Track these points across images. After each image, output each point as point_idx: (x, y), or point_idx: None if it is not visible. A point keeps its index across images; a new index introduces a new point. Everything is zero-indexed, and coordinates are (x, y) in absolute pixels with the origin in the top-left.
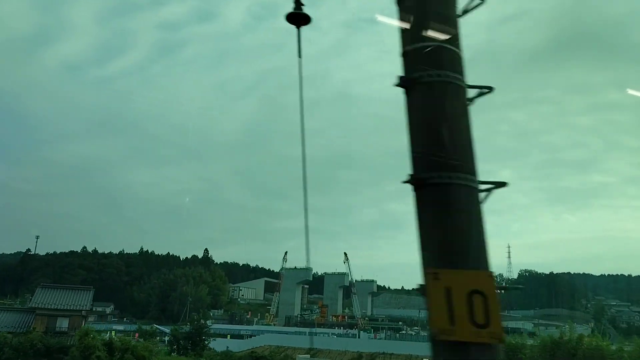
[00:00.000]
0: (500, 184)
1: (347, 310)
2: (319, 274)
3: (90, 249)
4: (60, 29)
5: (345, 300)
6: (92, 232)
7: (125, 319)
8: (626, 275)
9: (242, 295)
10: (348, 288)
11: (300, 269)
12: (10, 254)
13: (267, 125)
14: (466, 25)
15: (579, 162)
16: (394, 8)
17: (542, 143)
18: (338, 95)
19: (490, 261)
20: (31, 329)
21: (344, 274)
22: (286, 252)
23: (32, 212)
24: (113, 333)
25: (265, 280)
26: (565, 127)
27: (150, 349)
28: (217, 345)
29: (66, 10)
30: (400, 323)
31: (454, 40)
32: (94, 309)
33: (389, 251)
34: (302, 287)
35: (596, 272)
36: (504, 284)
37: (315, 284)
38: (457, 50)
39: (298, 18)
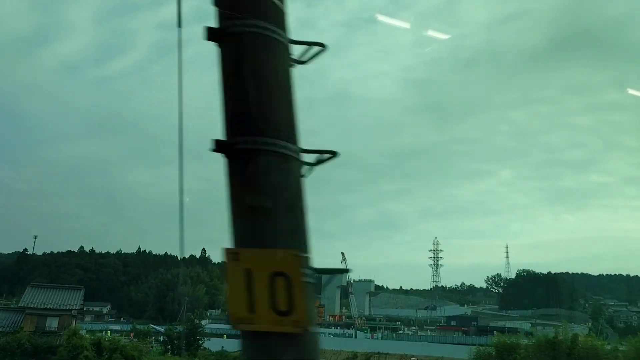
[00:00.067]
0: (330, 154)
1: (344, 310)
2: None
3: (87, 249)
4: (59, 29)
5: (342, 300)
6: (89, 231)
7: (122, 318)
8: (625, 275)
9: None
10: (346, 288)
11: None
12: (8, 253)
13: None
14: (466, 26)
15: (578, 162)
16: (392, 8)
17: (541, 143)
18: (335, 95)
19: (309, 244)
20: (19, 328)
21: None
22: None
23: (30, 212)
24: (109, 333)
25: None
26: (564, 127)
27: (140, 348)
28: (213, 345)
29: (65, 10)
30: (398, 323)
31: None
32: (91, 309)
33: (387, 251)
34: None
35: (595, 272)
36: (501, 283)
37: (314, 284)
38: (278, 2)
39: None
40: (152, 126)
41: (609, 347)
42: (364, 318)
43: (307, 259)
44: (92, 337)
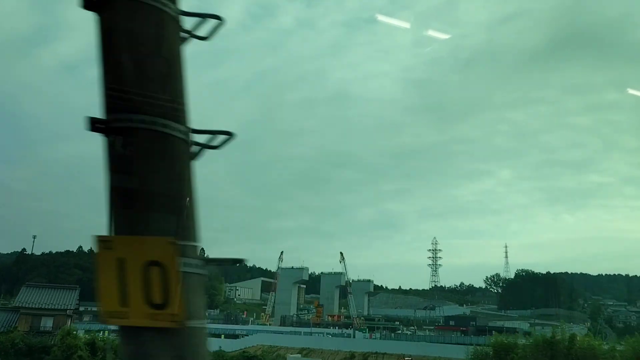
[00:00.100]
0: (226, 135)
1: (343, 310)
2: (316, 273)
3: (86, 249)
4: (58, 29)
5: (341, 300)
6: (88, 231)
7: None
8: (624, 275)
9: (239, 295)
10: (345, 288)
11: (296, 268)
12: (7, 253)
13: (263, 124)
14: (466, 26)
15: (577, 162)
16: (392, 8)
17: (540, 143)
18: (335, 95)
19: (196, 232)
20: (12, 328)
21: (340, 273)
22: (282, 252)
23: (29, 212)
24: (107, 333)
25: (262, 280)
26: (563, 127)
27: None
28: (210, 344)
29: (64, 10)
30: (397, 323)
31: None
32: (89, 309)
33: (386, 251)
34: (299, 286)
35: (594, 272)
36: (500, 283)
37: (313, 283)
38: None
39: None
40: None
41: (606, 347)
42: (362, 318)
43: (191, 248)
44: (89, 336)
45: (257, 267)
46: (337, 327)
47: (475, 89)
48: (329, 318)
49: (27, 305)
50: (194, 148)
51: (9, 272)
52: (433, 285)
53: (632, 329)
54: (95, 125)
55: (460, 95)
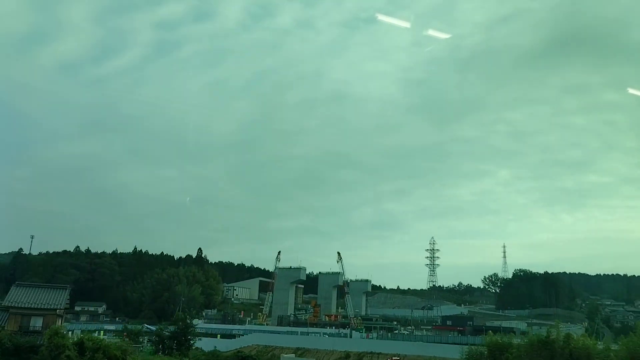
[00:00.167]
0: None
1: (341, 310)
2: (315, 273)
3: (83, 249)
4: (56, 28)
5: (339, 300)
6: (85, 231)
7: (117, 318)
8: (622, 275)
9: (237, 294)
10: (342, 288)
11: (294, 268)
12: (5, 253)
13: (262, 124)
14: (464, 26)
15: (575, 162)
16: (390, 9)
17: (539, 143)
18: (334, 95)
19: None
20: (1, 328)
21: (338, 273)
22: (279, 252)
23: (27, 212)
24: (102, 333)
25: (260, 280)
26: (562, 127)
27: (123, 348)
28: (206, 344)
29: (63, 10)
30: (394, 323)
31: None
32: (86, 309)
33: (385, 251)
34: (297, 286)
35: (592, 272)
36: (498, 283)
37: (311, 283)
38: None
39: None
40: (148, 125)
41: (601, 347)
42: (359, 318)
43: None
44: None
45: (255, 267)
46: (334, 327)
47: (474, 89)
48: (326, 318)
49: (16, 305)
50: None
51: (5, 272)
52: (431, 285)
53: (630, 328)
54: None
55: (459, 95)
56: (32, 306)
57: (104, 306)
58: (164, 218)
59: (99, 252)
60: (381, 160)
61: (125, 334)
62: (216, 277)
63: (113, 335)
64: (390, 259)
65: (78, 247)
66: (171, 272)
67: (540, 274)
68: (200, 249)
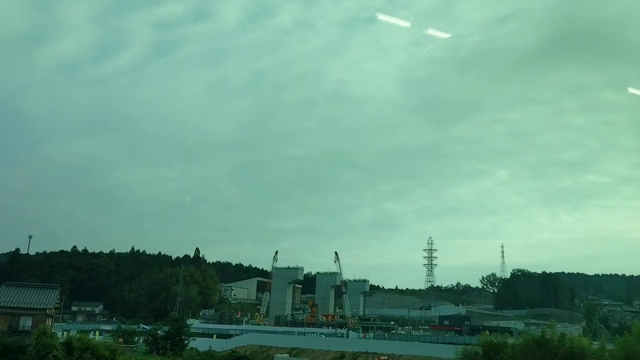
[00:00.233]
0: None
1: (338, 310)
2: (312, 273)
3: (80, 249)
4: (56, 28)
5: (337, 300)
6: (83, 231)
7: (114, 318)
8: (620, 275)
9: (234, 294)
10: (339, 288)
11: (292, 268)
12: (3, 253)
13: (261, 124)
14: (463, 26)
15: (574, 163)
16: (389, 9)
17: (538, 143)
18: (334, 95)
19: None
20: None
21: (335, 273)
22: (277, 252)
23: (25, 212)
24: (97, 333)
25: (258, 280)
26: (561, 127)
27: (112, 348)
28: (201, 344)
29: (62, 9)
30: (392, 322)
31: None
32: (83, 309)
33: (383, 251)
34: (294, 286)
35: (591, 272)
36: (496, 283)
37: (309, 283)
38: None
39: None
40: (147, 125)
41: (596, 346)
42: (357, 318)
43: None
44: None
45: (253, 267)
46: (330, 327)
47: (474, 89)
48: (324, 318)
49: (5, 305)
50: None
51: (2, 272)
52: (429, 285)
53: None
54: None
55: (459, 95)
56: (22, 306)
57: (101, 306)
58: (162, 218)
59: (96, 252)
60: (380, 160)
61: (119, 334)
62: (214, 277)
63: (109, 336)
64: (389, 259)
65: (75, 247)
66: (168, 272)
67: (538, 274)
68: (197, 248)
